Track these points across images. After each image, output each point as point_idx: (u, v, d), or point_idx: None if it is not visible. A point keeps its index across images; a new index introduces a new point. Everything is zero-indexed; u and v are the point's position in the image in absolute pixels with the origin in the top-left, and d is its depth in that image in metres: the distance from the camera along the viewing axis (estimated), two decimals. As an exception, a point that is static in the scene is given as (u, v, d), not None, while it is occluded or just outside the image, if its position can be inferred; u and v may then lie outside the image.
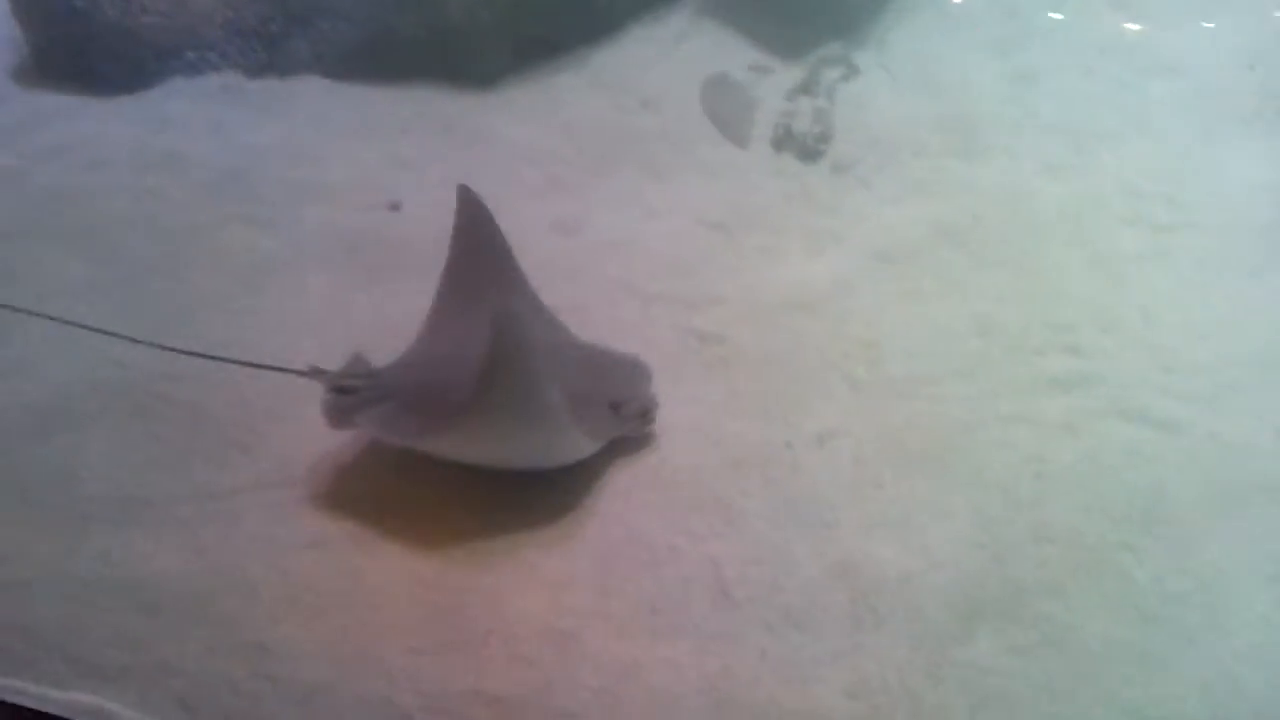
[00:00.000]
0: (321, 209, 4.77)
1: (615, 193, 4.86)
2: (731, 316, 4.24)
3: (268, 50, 5.55)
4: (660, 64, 5.59)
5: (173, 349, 3.61)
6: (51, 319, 3.67)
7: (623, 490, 3.51)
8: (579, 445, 3.42)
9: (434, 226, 4.54)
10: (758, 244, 4.58)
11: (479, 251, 3.83)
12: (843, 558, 3.30)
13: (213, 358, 3.59)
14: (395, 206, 4.73)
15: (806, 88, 5.26)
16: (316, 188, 4.88)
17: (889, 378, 3.92)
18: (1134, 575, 3.26)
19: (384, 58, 5.47)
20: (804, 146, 4.99)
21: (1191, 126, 5.00)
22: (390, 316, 4.09)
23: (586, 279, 4.40)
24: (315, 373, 3.51)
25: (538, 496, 3.45)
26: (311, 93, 5.46)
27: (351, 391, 3.47)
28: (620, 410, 3.57)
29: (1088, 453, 3.63)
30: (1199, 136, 4.95)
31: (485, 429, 3.23)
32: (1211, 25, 5.51)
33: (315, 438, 3.57)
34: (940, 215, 4.64)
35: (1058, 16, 5.70)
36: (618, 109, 5.36)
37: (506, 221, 4.55)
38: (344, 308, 4.25)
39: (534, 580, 3.24)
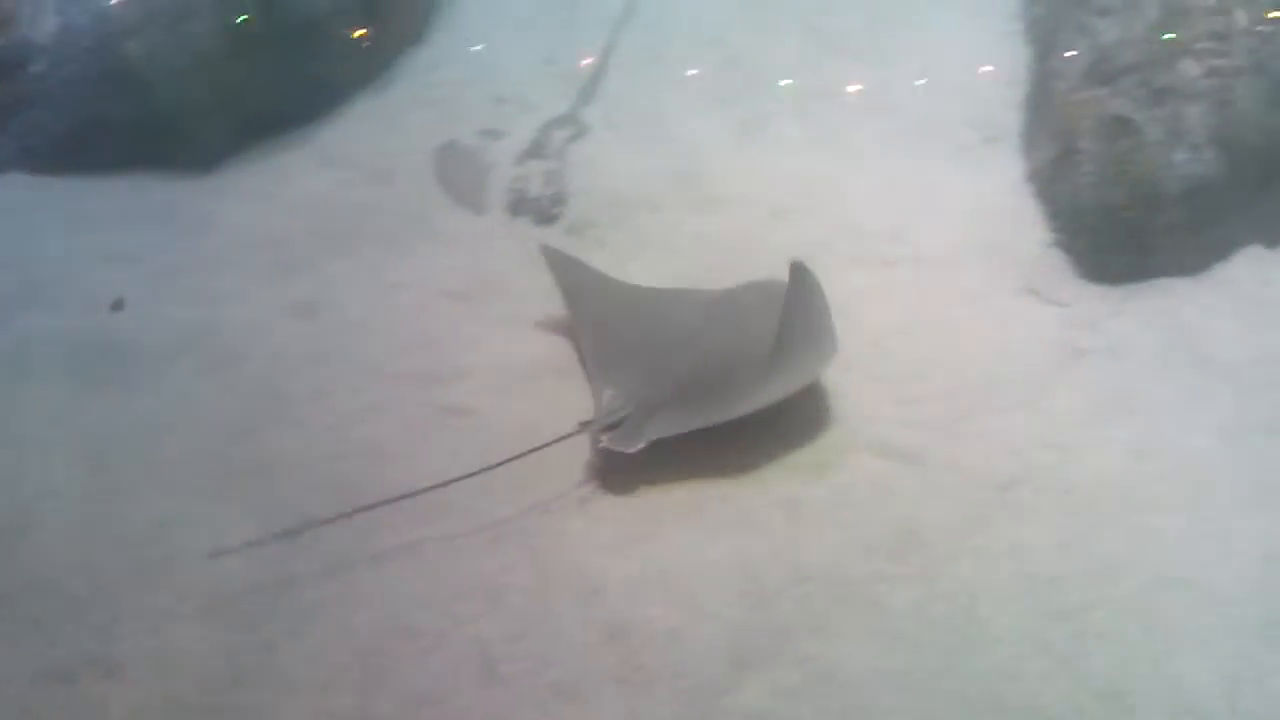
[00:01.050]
0: (33, 316, 4.52)
1: (352, 270, 4.82)
2: (479, 388, 4.24)
3: (-32, 147, 5.26)
4: (389, 136, 5.58)
5: None
6: None
7: (387, 577, 3.46)
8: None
9: (162, 322, 4.46)
10: (501, 312, 4.61)
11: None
12: (610, 620, 3.34)
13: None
14: (118, 305, 4.55)
15: (537, 150, 5.33)
16: (26, 293, 4.63)
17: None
18: (892, 604, 3.42)
19: (96, 147, 5.27)
20: (540, 209, 5.07)
21: (907, 162, 5.29)
22: (123, 428, 4.00)
23: (329, 363, 4.36)
24: (583, 426, 3.83)
25: (289, 604, 3.35)
26: (15, 191, 5.19)
27: (618, 424, 3.80)
28: None
29: (839, 489, 3.79)
30: (914, 171, 5.24)
31: (794, 363, 3.85)
32: (919, 68, 5.85)
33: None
34: (678, 269, 4.76)
35: (776, 66, 5.94)
36: (348, 184, 5.32)
37: (237, 309, 4.49)
38: (68, 422, 4.05)
39: (291, 692, 3.14)
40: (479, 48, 6.19)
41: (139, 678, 3.19)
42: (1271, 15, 4.71)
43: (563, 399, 4.12)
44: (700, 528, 3.65)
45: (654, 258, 4.86)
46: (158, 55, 5.28)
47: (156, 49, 5.28)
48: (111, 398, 4.16)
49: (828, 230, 4.95)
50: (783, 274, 3.82)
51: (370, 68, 5.99)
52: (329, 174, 5.37)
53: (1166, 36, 4.72)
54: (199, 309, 4.58)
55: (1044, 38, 5.43)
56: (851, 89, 5.85)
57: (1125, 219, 4.57)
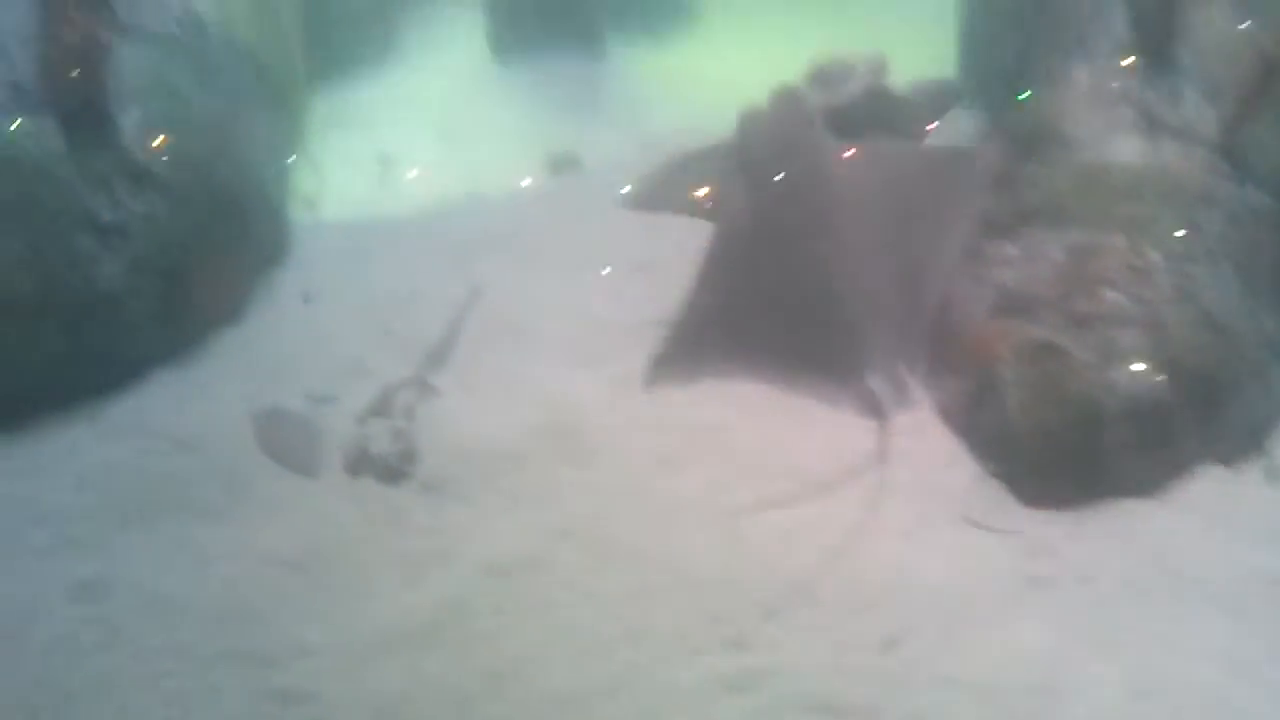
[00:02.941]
0: None
1: (154, 544, 4.17)
2: (322, 668, 3.48)
3: None
4: (195, 404, 4.92)
5: None
6: None
7: None
8: None
9: None
10: (344, 579, 3.90)
11: None
12: None
13: None
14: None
15: (379, 409, 4.73)
16: None
17: (531, 712, 3.40)
18: None
19: None
20: (385, 468, 4.44)
21: (799, 410, 4.85)
22: None
23: (121, 650, 3.69)
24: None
25: None
26: None
27: None
28: None
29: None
30: (809, 417, 4.79)
31: None
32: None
33: None
34: (556, 521, 4.21)
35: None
36: (145, 453, 4.62)
37: (10, 588, 3.70)
38: None
39: None
40: (303, 323, 5.58)
41: None
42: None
43: (425, 675, 3.47)
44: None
45: (530, 512, 4.29)
46: None
47: None
48: None
49: (727, 474, 4.44)
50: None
51: (175, 342, 5.34)
52: (122, 444, 4.68)
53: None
54: None
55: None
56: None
57: (1067, 440, 4.24)
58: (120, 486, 4.42)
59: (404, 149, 7.04)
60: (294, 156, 6.60)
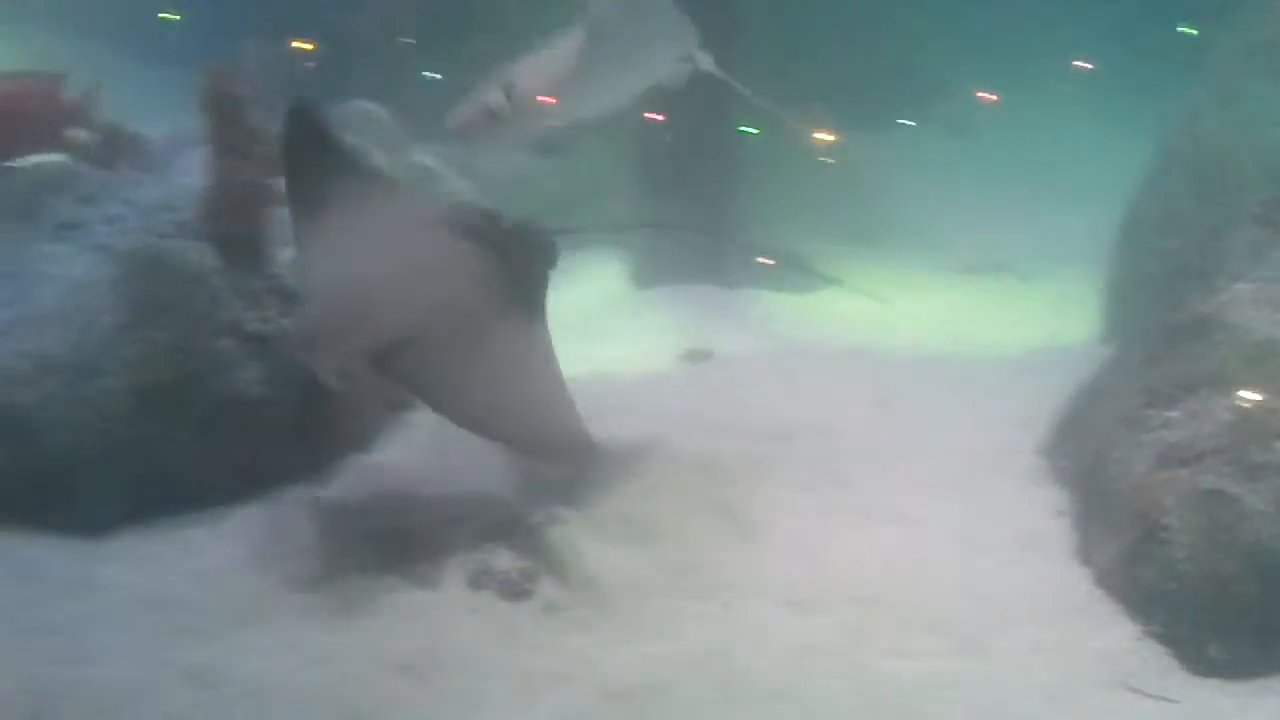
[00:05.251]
0: None
1: (268, 641, 4.20)
2: None
3: None
4: (319, 519, 4.94)
5: None
6: None
7: None
8: None
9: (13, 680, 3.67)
10: (457, 688, 3.92)
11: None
12: None
13: None
14: None
15: (505, 530, 4.77)
16: None
17: None
18: None
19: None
20: (507, 583, 4.46)
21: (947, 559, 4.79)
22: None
23: None
24: None
25: None
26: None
27: None
28: None
29: None
30: (950, 568, 4.72)
31: None
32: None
33: None
34: (680, 651, 4.16)
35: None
36: (266, 559, 4.69)
37: (116, 668, 3.76)
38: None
39: None
40: (434, 455, 5.67)
41: None
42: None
43: None
44: None
45: (652, 642, 4.30)
46: (50, 406, 4.88)
47: (50, 400, 4.89)
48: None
49: (860, 620, 4.35)
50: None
51: (305, 460, 5.46)
52: (244, 548, 4.71)
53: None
54: (66, 669, 3.90)
55: (1086, 464, 5.18)
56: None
57: (1241, 595, 4.11)
58: (235, 585, 4.50)
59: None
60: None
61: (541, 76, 5.52)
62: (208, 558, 4.68)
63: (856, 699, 4.00)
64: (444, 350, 4.66)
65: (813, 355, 7.07)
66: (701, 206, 8.67)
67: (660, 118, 7.52)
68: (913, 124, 10.36)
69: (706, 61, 5.88)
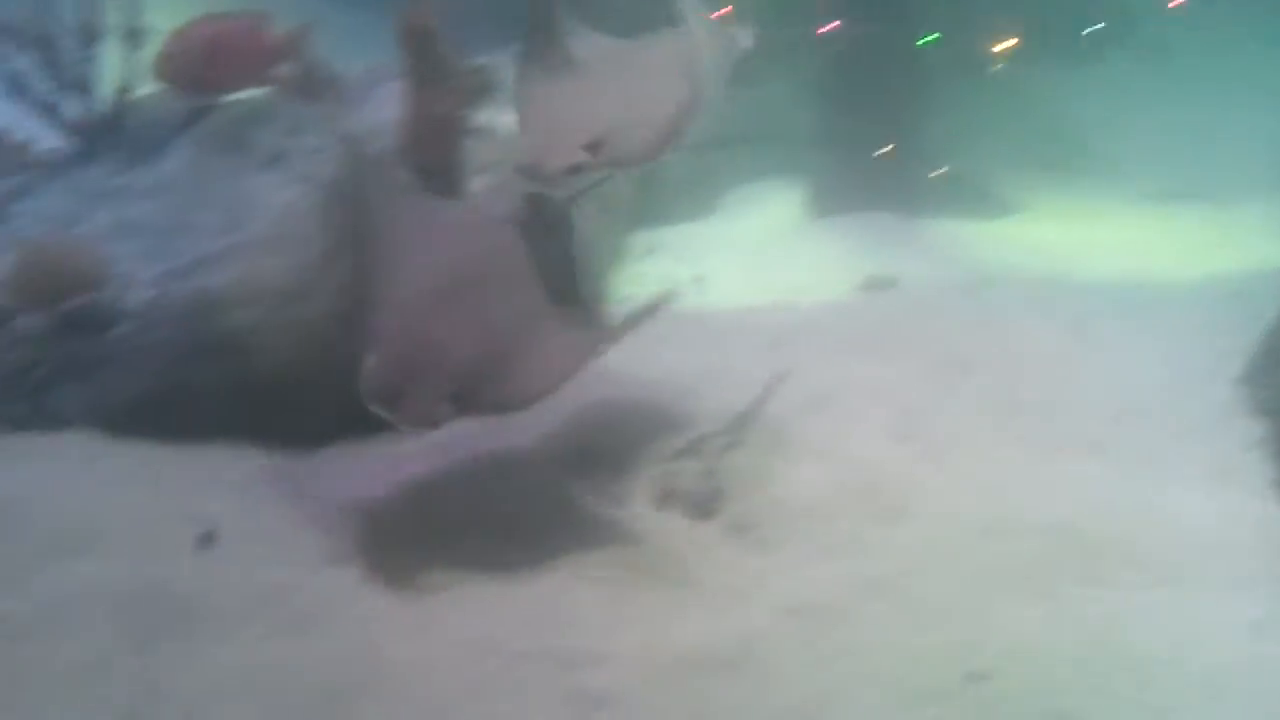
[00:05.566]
0: (82, 564, 4.06)
1: (475, 551, 4.38)
2: (622, 676, 3.69)
3: (30, 402, 4.95)
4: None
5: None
6: None
7: None
8: None
9: (235, 581, 4.07)
10: (648, 599, 4.13)
11: None
12: None
13: None
14: (206, 540, 4.31)
15: (690, 451, 4.88)
16: (77, 543, 4.18)
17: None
18: None
19: (176, 413, 4.97)
20: (693, 504, 4.59)
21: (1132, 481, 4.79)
22: (169, 689, 3.61)
23: (423, 637, 3.94)
24: None
25: None
26: (89, 447, 4.88)
27: None
28: None
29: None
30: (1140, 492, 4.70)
31: None
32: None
33: None
34: (862, 571, 4.29)
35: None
36: (467, 469, 4.91)
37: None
38: (98, 682, 3.62)
39: None
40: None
41: None
42: None
43: (720, 702, 3.65)
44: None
45: (835, 563, 4.40)
46: (262, 329, 5.14)
47: (262, 323, 5.15)
48: (163, 657, 3.74)
49: (1049, 548, 4.38)
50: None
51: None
52: (443, 461, 4.93)
53: None
54: (283, 571, 4.21)
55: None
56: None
57: None
58: (446, 500, 4.74)
59: (717, 272, 7.49)
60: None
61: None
62: (415, 472, 4.91)
63: (1049, 626, 4.03)
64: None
65: (1000, 283, 7.03)
66: (883, 128, 8.60)
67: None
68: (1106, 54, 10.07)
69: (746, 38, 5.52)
